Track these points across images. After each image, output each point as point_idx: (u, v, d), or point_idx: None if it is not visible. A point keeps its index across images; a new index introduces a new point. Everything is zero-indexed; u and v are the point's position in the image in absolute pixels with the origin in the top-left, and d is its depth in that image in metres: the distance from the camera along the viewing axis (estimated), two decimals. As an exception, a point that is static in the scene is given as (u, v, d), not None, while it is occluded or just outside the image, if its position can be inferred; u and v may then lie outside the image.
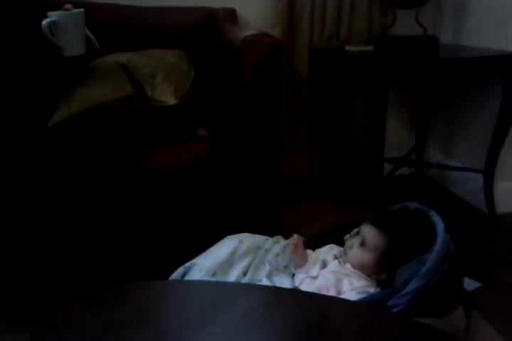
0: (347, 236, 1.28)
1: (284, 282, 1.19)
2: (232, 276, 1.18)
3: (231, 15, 1.95)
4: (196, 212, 1.46)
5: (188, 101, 1.42)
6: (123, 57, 1.44)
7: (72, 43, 1.30)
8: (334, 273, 1.15)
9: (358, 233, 1.23)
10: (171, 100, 1.35)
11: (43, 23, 1.26)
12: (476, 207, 2.06)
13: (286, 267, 1.27)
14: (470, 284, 1.22)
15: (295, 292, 0.94)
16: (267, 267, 1.23)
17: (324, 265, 1.20)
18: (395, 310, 0.97)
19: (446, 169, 2.19)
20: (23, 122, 1.35)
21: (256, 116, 1.44)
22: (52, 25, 1.25)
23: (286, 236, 1.63)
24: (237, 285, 0.98)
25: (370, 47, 1.98)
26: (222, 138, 1.48)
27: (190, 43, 1.77)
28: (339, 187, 2.23)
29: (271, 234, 1.59)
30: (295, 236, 1.22)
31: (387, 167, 2.12)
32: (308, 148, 2.20)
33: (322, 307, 0.75)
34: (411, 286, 0.98)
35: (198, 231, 1.46)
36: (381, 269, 1.14)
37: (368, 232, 1.16)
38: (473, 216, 2.03)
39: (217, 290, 0.82)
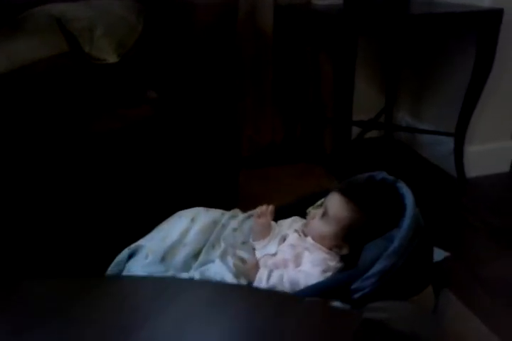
0: (310, 209, 1.18)
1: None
2: (180, 259, 1.06)
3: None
4: (145, 182, 1.33)
5: (133, 59, 1.26)
6: (58, 7, 1.26)
7: None
8: (292, 247, 1.05)
9: (321, 205, 1.13)
10: (111, 57, 1.20)
11: None
12: (446, 171, 2.00)
13: (244, 243, 1.17)
14: (438, 254, 1.13)
15: (240, 288, 0.83)
16: (222, 245, 1.13)
17: (284, 239, 1.10)
18: (358, 295, 0.88)
19: (417, 132, 2.12)
20: None
21: (210, 75, 1.31)
22: None
23: (248, 205, 1.53)
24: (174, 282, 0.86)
25: (339, 2, 1.85)
26: (173, 100, 1.35)
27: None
28: (306, 151, 2.15)
29: (230, 204, 1.50)
30: (264, 206, 1.11)
31: (356, 130, 2.03)
32: (274, 111, 2.10)
33: (270, 305, 0.64)
34: (377, 267, 0.89)
35: (147, 202, 1.33)
36: (342, 243, 1.05)
37: (332, 202, 1.06)
38: (443, 180, 1.97)
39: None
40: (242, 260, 1.07)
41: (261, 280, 0.97)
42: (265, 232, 1.10)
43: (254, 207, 1.33)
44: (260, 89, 2.04)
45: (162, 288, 0.72)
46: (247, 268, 1.01)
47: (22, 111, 1.16)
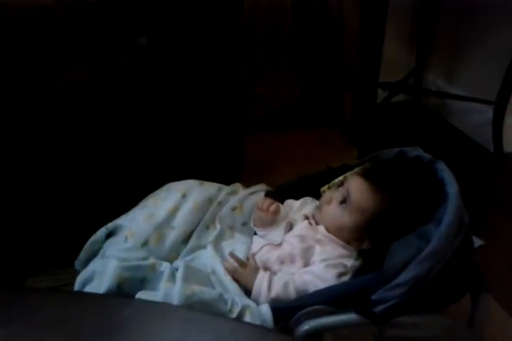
0: (325, 188, 0.98)
1: (237, 248, 0.90)
2: (166, 244, 0.88)
3: None
4: (131, 145, 1.14)
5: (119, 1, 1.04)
6: None
7: None
8: (301, 239, 0.86)
9: (340, 184, 0.93)
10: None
11: None
12: (481, 144, 1.79)
13: (244, 224, 0.99)
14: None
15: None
16: (218, 227, 0.95)
17: (291, 227, 0.91)
18: (380, 308, 0.69)
19: (450, 98, 1.89)
20: None
21: (210, 21, 1.11)
22: None
23: (254, 176, 1.34)
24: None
25: None
26: (166, 48, 1.13)
27: None
28: (324, 115, 1.93)
29: (232, 174, 1.32)
30: (268, 201, 0.92)
31: (380, 93, 1.81)
32: (290, 68, 1.89)
33: None
34: (408, 274, 0.70)
35: (133, 171, 1.14)
36: (363, 236, 0.85)
37: (355, 186, 0.86)
38: (477, 154, 1.76)
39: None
40: (234, 256, 0.87)
41: (261, 289, 0.78)
42: (267, 225, 0.90)
43: (260, 179, 1.15)
44: (275, 41, 1.83)
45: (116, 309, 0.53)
46: (241, 273, 0.82)
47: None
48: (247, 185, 1.09)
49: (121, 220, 0.93)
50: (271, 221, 0.91)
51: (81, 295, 0.71)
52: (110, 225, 0.92)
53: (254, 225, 0.95)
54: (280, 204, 0.95)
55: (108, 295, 0.69)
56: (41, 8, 0.99)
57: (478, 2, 1.78)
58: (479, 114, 1.76)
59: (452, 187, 0.77)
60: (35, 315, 0.54)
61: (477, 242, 1.23)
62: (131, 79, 1.08)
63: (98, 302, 0.61)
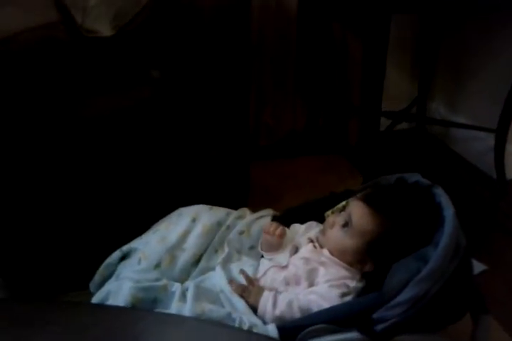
0: (329, 212, 1.02)
1: (244, 269, 0.94)
2: (177, 266, 0.92)
3: None
4: (144, 173, 1.19)
5: (132, 34, 1.10)
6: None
7: None
8: (306, 261, 0.90)
9: (343, 209, 0.97)
10: (106, 30, 1.04)
11: None
12: (483, 171, 1.81)
13: (252, 248, 1.03)
14: (473, 267, 0.97)
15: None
16: (226, 250, 0.98)
17: (296, 249, 0.95)
18: (381, 327, 0.72)
19: (452, 126, 1.93)
20: None
21: (219, 54, 1.16)
22: None
23: (261, 202, 1.38)
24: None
25: (372, -24, 1.65)
26: (178, 81, 1.19)
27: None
28: (329, 142, 1.98)
29: (240, 200, 1.36)
30: (274, 224, 0.96)
31: (384, 121, 1.85)
32: (296, 96, 1.93)
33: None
34: (407, 294, 0.73)
35: (145, 197, 1.19)
36: (365, 259, 0.89)
37: (356, 211, 0.90)
38: (480, 181, 1.79)
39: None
40: (244, 273, 0.91)
41: (266, 307, 0.82)
42: (274, 249, 0.94)
43: (268, 205, 1.19)
44: (281, 70, 1.88)
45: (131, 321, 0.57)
46: (249, 292, 0.85)
47: (5, 86, 1.02)
48: (254, 210, 1.13)
49: (135, 243, 0.97)
50: (277, 244, 0.95)
51: (98, 307, 0.75)
52: (125, 248, 0.96)
53: (261, 249, 0.98)
54: (286, 228, 0.99)
55: (124, 308, 0.73)
56: (58, 43, 1.05)
57: (478, 32, 1.84)
58: (482, 142, 1.78)
59: (449, 211, 0.81)
60: (52, 327, 0.58)
61: (480, 267, 1.26)
62: (146, 109, 1.13)
63: (114, 314, 0.65)
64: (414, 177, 0.94)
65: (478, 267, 1.09)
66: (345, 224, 0.89)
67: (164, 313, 0.73)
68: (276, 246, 0.95)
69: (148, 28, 1.16)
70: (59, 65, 1.04)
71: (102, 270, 0.97)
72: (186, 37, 1.22)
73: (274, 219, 1.06)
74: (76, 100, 1.08)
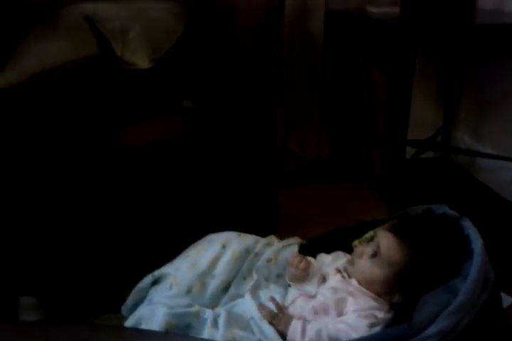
0: (356, 242, 1.03)
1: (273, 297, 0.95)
2: (208, 292, 0.94)
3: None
4: (176, 199, 1.23)
5: (168, 65, 1.15)
6: (91, 6, 1.17)
7: None
8: (335, 291, 0.91)
9: (371, 239, 0.98)
10: (144, 63, 1.10)
11: None
12: (510, 202, 1.81)
13: (279, 276, 1.04)
14: (502, 300, 0.97)
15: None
16: (254, 277, 1.00)
17: (324, 279, 0.96)
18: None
19: (477, 156, 1.93)
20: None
21: (251, 84, 1.20)
22: None
23: (287, 228, 1.40)
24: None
25: (396, 9, 1.70)
26: (210, 110, 1.24)
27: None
28: (354, 170, 1.99)
29: (267, 226, 1.38)
30: (298, 258, 0.97)
31: (409, 149, 1.86)
32: (321, 124, 1.97)
33: None
34: (436, 326, 0.74)
35: (176, 223, 1.22)
36: (394, 289, 0.89)
37: (385, 241, 0.91)
38: (506, 211, 1.77)
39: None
40: (274, 300, 0.93)
41: (295, 335, 0.83)
42: (299, 280, 0.96)
43: (294, 231, 1.21)
44: (307, 100, 1.92)
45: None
46: (279, 319, 0.87)
47: (48, 114, 1.08)
48: (281, 236, 1.15)
49: (167, 268, 1.00)
50: (302, 276, 0.96)
51: (136, 331, 0.77)
52: (156, 273, 0.99)
53: (288, 279, 1.00)
54: (312, 259, 1.00)
55: (163, 333, 0.75)
56: (99, 74, 1.11)
57: (503, 61, 1.86)
58: (508, 172, 1.78)
59: (477, 244, 0.82)
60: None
61: (509, 300, 1.25)
62: (179, 139, 1.17)
63: (154, 339, 0.66)
64: (442, 208, 0.95)
65: (506, 300, 1.09)
66: (374, 255, 0.90)
67: (202, 339, 0.75)
68: (301, 278, 0.96)
69: (182, 60, 1.22)
70: (98, 95, 1.09)
71: (134, 294, 0.99)
72: (218, 67, 1.26)
73: (301, 247, 1.07)
74: (112, 129, 1.12)
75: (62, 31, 1.11)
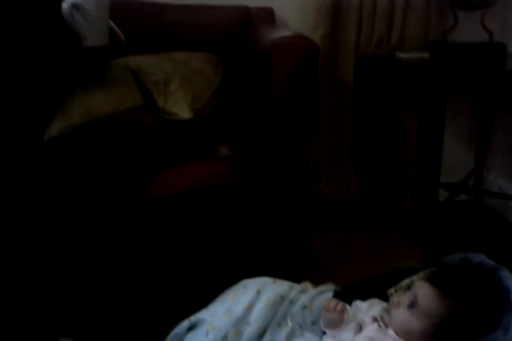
0: (392, 290, 1.03)
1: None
2: (245, 339, 0.95)
3: (268, 15, 1.76)
4: (211, 243, 1.25)
5: (207, 114, 1.20)
6: (136, 60, 1.24)
7: (95, 31, 1.13)
8: (371, 340, 0.90)
9: (407, 287, 0.98)
10: (185, 113, 1.14)
11: (64, 5, 1.10)
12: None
13: (314, 323, 1.03)
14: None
15: None
16: (289, 324, 1.00)
17: (360, 327, 0.95)
18: None
19: (510, 199, 1.89)
20: (16, 131, 1.15)
21: (285, 132, 1.23)
22: (74, 8, 1.09)
23: (320, 272, 1.39)
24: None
25: (426, 55, 1.73)
26: (246, 157, 1.27)
27: (221, 45, 1.59)
28: (385, 212, 1.99)
29: (302, 270, 1.38)
30: (333, 302, 0.97)
31: (441, 191, 1.85)
32: (351, 166, 1.98)
33: None
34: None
35: (210, 266, 1.23)
36: (432, 341, 0.88)
37: (423, 291, 0.90)
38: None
39: None
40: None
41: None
42: (336, 325, 0.95)
43: (328, 276, 1.21)
44: (337, 142, 1.94)
45: None
46: None
47: (95, 163, 1.13)
48: (315, 280, 1.15)
49: (203, 314, 1.01)
50: (338, 321, 0.96)
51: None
52: (193, 319, 1.00)
53: (323, 326, 0.99)
54: (347, 305, 1.00)
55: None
56: (142, 124, 1.16)
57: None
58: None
59: (517, 296, 0.81)
60: None
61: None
62: (215, 184, 1.20)
63: None
64: (479, 257, 0.94)
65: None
66: (411, 305, 0.90)
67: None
68: (337, 323, 0.96)
69: (219, 108, 1.26)
70: (139, 144, 1.14)
71: (170, 339, 1.00)
72: (253, 114, 1.30)
73: (336, 294, 1.07)
74: (149, 176, 1.16)
75: (108, 84, 1.17)
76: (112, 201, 1.14)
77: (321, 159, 1.93)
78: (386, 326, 0.92)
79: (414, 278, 0.97)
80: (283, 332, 0.99)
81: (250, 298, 1.02)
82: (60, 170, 1.12)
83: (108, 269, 1.17)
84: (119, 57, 1.29)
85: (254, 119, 1.29)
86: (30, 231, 1.08)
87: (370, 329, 0.92)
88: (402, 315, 0.90)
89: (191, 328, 1.01)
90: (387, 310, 0.94)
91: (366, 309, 0.99)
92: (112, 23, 1.17)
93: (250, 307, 1.01)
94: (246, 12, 1.70)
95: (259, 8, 1.74)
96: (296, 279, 1.14)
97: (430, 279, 0.90)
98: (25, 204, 1.10)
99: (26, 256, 1.09)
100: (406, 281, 1.00)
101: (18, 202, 1.09)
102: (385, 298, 1.01)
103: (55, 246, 1.10)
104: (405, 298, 0.91)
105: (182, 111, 1.15)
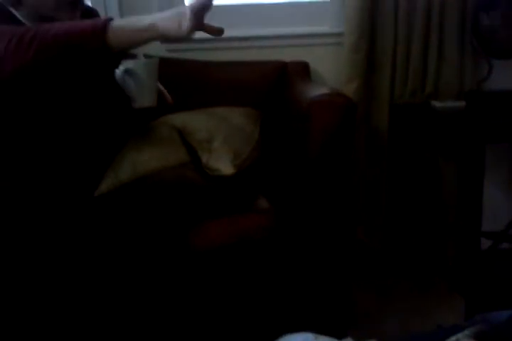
0: (437, 348, 1.01)
1: None
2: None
3: (303, 69, 1.81)
4: (253, 297, 1.25)
5: (247, 168, 1.24)
6: (181, 118, 1.31)
7: (145, 94, 1.19)
8: None
9: (452, 346, 0.96)
10: (228, 169, 1.19)
11: (117, 70, 1.17)
12: None
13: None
14: None
15: None
16: (332, 383, 0.99)
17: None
18: None
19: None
20: (69, 187, 1.21)
21: (324, 186, 1.25)
22: (126, 73, 1.16)
23: (361, 330, 1.39)
24: None
25: (462, 104, 1.75)
26: (285, 210, 1.29)
27: (259, 99, 1.65)
28: (425, 261, 1.95)
29: (342, 326, 1.37)
30: None
31: (483, 240, 1.81)
32: (389, 214, 1.96)
33: None
34: None
35: (253, 319, 1.24)
36: None
37: None
38: None
39: None
40: None
41: None
42: None
43: (370, 330, 1.20)
44: (374, 190, 1.94)
45: None
46: None
47: (142, 217, 1.17)
48: (357, 334, 1.13)
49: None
50: None
51: None
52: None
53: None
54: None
55: None
56: (187, 180, 1.21)
57: None
58: None
59: None
60: None
61: None
62: (254, 237, 1.22)
63: None
64: (526, 315, 0.92)
65: None
66: (458, 365, 0.88)
67: None
68: None
69: (260, 162, 1.30)
70: (183, 199, 1.18)
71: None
72: (293, 168, 1.33)
73: (379, 351, 1.06)
74: (190, 230, 1.19)
75: (155, 142, 1.24)
76: (155, 253, 1.17)
77: (359, 207, 1.92)
78: (433, 387, 0.90)
79: (460, 336, 0.95)
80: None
81: (292, 354, 1.02)
82: (107, 225, 1.17)
83: (151, 321, 1.18)
84: (164, 115, 1.36)
85: (292, 173, 1.31)
86: (80, 285, 1.12)
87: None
88: (448, 375, 0.88)
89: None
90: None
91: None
92: (160, 85, 1.24)
93: (292, 363, 1.00)
94: (282, 66, 1.77)
95: (295, 63, 1.80)
96: (338, 332, 1.13)
97: (476, 338, 0.88)
98: (74, 257, 1.14)
99: (80, 315, 1.12)
100: (452, 339, 0.98)
101: (67, 255, 1.14)
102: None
103: (103, 299, 1.13)
104: (451, 358, 0.90)
105: (225, 167, 1.19)
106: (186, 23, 0.93)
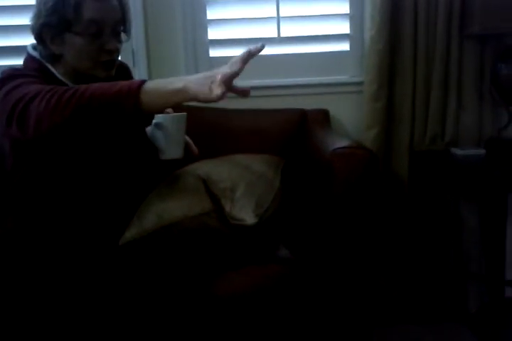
0: None
1: None
2: None
3: (323, 117, 1.85)
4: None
5: (270, 218, 1.25)
6: (205, 168, 1.34)
7: (172, 146, 1.23)
8: None
9: None
10: (250, 219, 1.20)
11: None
12: None
13: None
14: None
15: None
16: None
17: None
18: None
19: None
20: (96, 235, 1.24)
21: (346, 238, 1.25)
22: (156, 126, 1.21)
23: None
24: None
25: (482, 151, 1.76)
26: (306, 260, 1.30)
27: (279, 147, 1.67)
28: (447, 308, 1.91)
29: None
30: None
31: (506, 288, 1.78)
32: (410, 261, 1.92)
33: None
34: None
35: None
36: None
37: None
38: None
39: None
40: None
41: None
42: None
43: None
44: (394, 235, 1.91)
45: None
46: None
47: (165, 265, 1.19)
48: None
49: None
50: None
51: None
52: None
53: None
54: None
55: None
56: (210, 229, 1.22)
57: None
58: None
59: None
60: None
61: None
62: (274, 287, 1.22)
63: None
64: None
65: None
66: None
67: None
68: None
69: (281, 211, 1.32)
70: (206, 247, 1.20)
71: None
72: (314, 218, 1.34)
73: None
74: (211, 278, 1.21)
75: (180, 191, 1.26)
76: (179, 301, 1.17)
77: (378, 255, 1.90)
78: None
79: None
80: None
81: None
82: (132, 273, 1.18)
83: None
84: (188, 164, 1.39)
85: (314, 223, 1.33)
86: (105, 333, 1.13)
87: None
88: None
89: None
90: None
91: None
92: (187, 137, 1.28)
93: None
94: (302, 114, 1.80)
95: (315, 110, 1.84)
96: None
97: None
98: (99, 306, 1.15)
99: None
100: None
101: (93, 304, 1.15)
102: None
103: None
104: None
105: (247, 216, 1.21)
106: (217, 89, 0.97)
